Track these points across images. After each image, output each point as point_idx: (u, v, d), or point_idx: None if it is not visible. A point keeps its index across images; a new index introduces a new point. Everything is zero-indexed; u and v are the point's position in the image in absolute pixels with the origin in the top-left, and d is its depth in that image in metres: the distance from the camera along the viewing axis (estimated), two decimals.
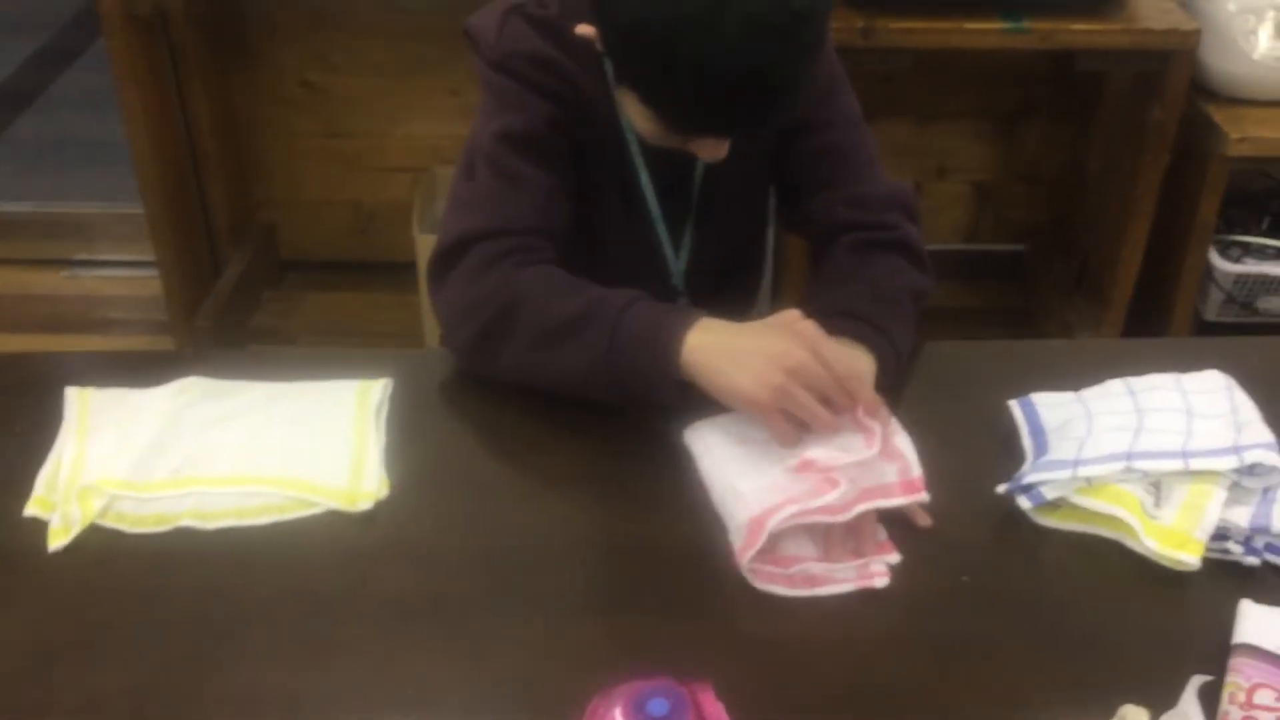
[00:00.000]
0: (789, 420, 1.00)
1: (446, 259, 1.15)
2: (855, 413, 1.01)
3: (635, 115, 1.11)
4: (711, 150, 1.11)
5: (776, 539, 0.95)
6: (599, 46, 1.09)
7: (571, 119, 1.19)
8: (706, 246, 1.35)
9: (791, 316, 1.03)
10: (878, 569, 0.96)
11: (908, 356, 1.17)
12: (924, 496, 0.99)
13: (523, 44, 1.18)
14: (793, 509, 0.94)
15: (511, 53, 1.18)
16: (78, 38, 3.98)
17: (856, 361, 1.06)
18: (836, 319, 1.11)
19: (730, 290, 1.45)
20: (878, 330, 1.12)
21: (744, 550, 0.94)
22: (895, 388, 1.11)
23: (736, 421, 1.05)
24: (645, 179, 1.28)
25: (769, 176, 1.36)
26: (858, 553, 0.97)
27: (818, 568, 0.96)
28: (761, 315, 1.06)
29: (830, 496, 0.95)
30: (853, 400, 1.00)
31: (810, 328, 1.01)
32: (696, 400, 1.03)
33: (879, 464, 0.99)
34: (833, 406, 1.00)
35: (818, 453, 0.98)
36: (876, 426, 1.00)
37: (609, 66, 1.14)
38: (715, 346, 1.02)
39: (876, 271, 1.20)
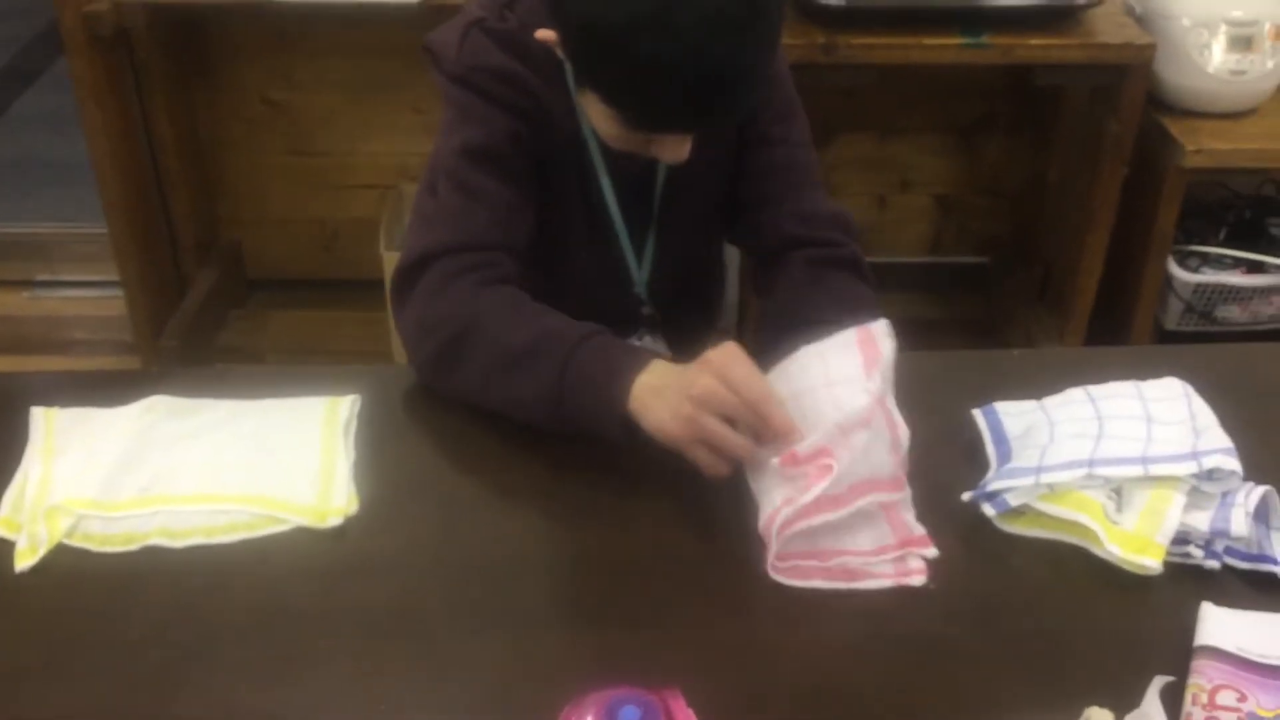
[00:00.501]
0: (710, 451, 0.99)
1: (408, 276, 1.15)
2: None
3: (596, 118, 1.12)
4: (673, 150, 1.12)
5: (814, 534, 0.96)
6: (558, 51, 1.09)
7: (533, 132, 1.20)
8: (668, 256, 1.37)
9: (724, 351, 1.00)
10: (915, 565, 0.97)
11: None
12: (905, 493, 1.00)
13: (484, 58, 1.18)
14: (788, 511, 0.95)
15: (473, 66, 1.18)
16: (38, 58, 3.95)
17: (766, 384, 1.02)
18: (804, 328, 1.10)
19: (691, 300, 1.47)
20: None
21: (766, 552, 0.96)
22: None
23: (787, 372, 1.06)
24: (607, 189, 1.29)
25: (726, 189, 1.37)
26: (895, 545, 0.98)
27: (856, 561, 0.97)
28: (727, 328, 1.07)
29: (824, 483, 0.95)
30: (764, 423, 0.98)
31: (721, 356, 0.99)
32: (644, 439, 1.03)
33: (878, 451, 0.99)
34: (759, 433, 0.98)
35: (801, 445, 0.98)
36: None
37: (569, 72, 1.15)
38: (651, 387, 1.01)
39: (832, 284, 1.24)
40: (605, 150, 1.24)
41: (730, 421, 0.98)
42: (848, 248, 1.28)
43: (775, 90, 1.28)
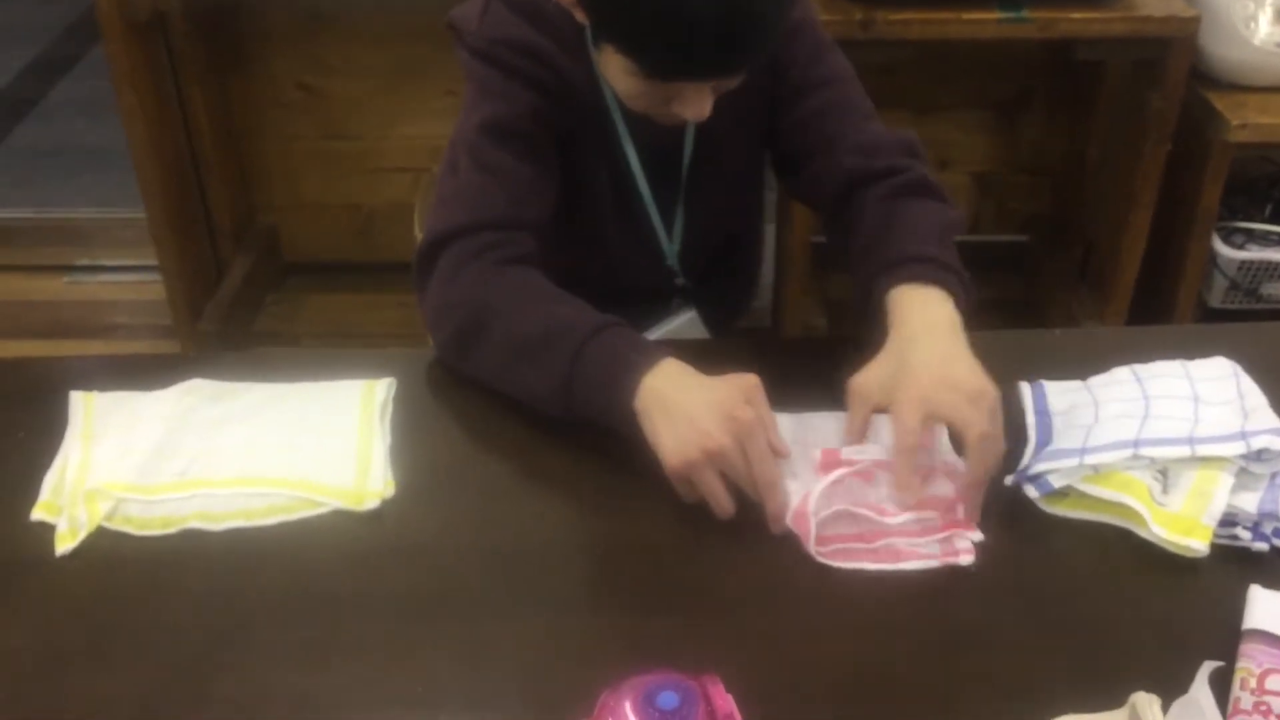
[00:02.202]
0: (693, 494, 0.99)
1: (427, 257, 1.15)
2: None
3: (616, 76, 1.11)
4: (695, 106, 1.10)
5: (857, 517, 0.97)
6: (576, 14, 1.09)
7: (554, 105, 1.19)
8: (698, 227, 1.36)
9: (748, 385, 0.99)
10: (963, 545, 0.96)
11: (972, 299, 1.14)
12: (975, 535, 0.97)
13: (504, 30, 1.18)
14: (818, 491, 0.96)
15: (493, 39, 1.18)
16: (75, 44, 3.99)
17: (775, 469, 0.99)
18: (894, 268, 1.09)
19: (726, 272, 1.46)
20: (944, 268, 1.10)
21: (806, 542, 0.95)
22: None
23: (806, 421, 1.06)
24: (633, 159, 1.28)
25: (760, 154, 1.35)
26: (940, 527, 0.97)
27: (902, 542, 0.96)
28: (762, 308, 1.05)
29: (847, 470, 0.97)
30: (761, 502, 0.97)
31: (749, 417, 0.96)
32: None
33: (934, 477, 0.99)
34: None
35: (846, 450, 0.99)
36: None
37: (589, 33, 1.14)
38: (659, 396, 1.00)
39: (915, 214, 1.17)
40: (630, 120, 1.24)
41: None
42: (914, 171, 1.22)
43: (803, 38, 1.26)
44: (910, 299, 1.08)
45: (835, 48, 1.30)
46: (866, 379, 1.04)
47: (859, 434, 1.03)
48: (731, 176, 1.36)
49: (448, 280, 1.13)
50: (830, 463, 1.00)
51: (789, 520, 0.97)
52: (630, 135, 1.26)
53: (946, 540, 0.96)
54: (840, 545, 0.96)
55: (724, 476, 0.97)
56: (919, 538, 0.96)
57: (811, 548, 0.95)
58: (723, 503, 0.97)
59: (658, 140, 1.27)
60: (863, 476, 1.00)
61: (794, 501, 0.97)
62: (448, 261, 1.13)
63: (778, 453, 0.99)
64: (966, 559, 0.95)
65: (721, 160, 1.31)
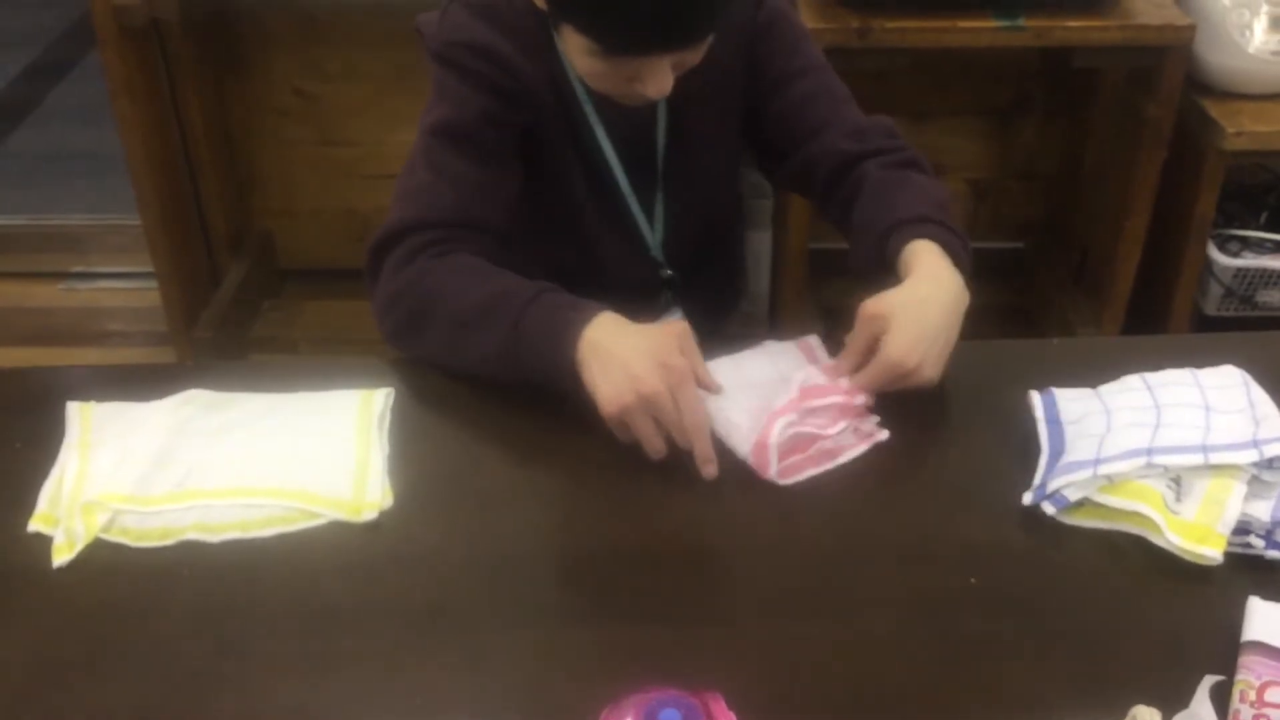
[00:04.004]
0: (625, 431, 1.05)
1: (378, 251, 1.19)
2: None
3: (577, 58, 1.14)
4: (655, 83, 1.13)
5: (793, 438, 1.05)
6: (537, 0, 1.12)
7: (509, 108, 1.22)
8: (679, 215, 1.38)
9: (680, 331, 1.06)
10: (868, 428, 1.09)
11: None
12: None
13: (461, 32, 1.21)
14: (784, 420, 1.05)
15: (450, 41, 1.21)
16: (70, 50, 3.97)
17: (705, 414, 1.06)
18: (914, 224, 1.15)
19: (710, 261, 1.48)
20: (950, 231, 1.16)
21: (765, 471, 1.04)
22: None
23: (740, 363, 1.15)
24: (609, 150, 1.30)
25: (736, 141, 1.38)
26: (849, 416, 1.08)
27: (828, 442, 1.07)
28: (758, 315, 1.08)
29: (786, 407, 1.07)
30: (691, 447, 1.03)
31: (681, 364, 1.04)
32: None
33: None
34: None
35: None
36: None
37: (551, 23, 1.15)
38: (596, 346, 1.05)
39: (919, 183, 1.24)
40: (602, 111, 1.26)
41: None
42: (907, 150, 1.28)
43: (779, 29, 1.30)
44: (928, 253, 1.14)
45: (808, 35, 1.34)
46: (879, 308, 1.09)
47: (863, 354, 1.09)
48: (708, 162, 1.37)
49: (397, 272, 1.17)
50: (809, 394, 1.08)
51: (750, 455, 1.05)
52: (604, 126, 1.28)
53: (856, 428, 1.08)
54: (786, 462, 1.04)
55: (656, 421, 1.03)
56: (834, 430, 1.06)
57: (773, 473, 1.04)
58: (656, 444, 1.03)
59: (631, 129, 1.29)
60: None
61: (751, 437, 1.05)
62: (395, 257, 1.17)
63: (709, 389, 1.08)
64: (883, 434, 1.08)
65: (697, 146, 1.34)
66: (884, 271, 1.16)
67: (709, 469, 1.03)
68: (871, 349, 1.08)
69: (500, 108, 1.21)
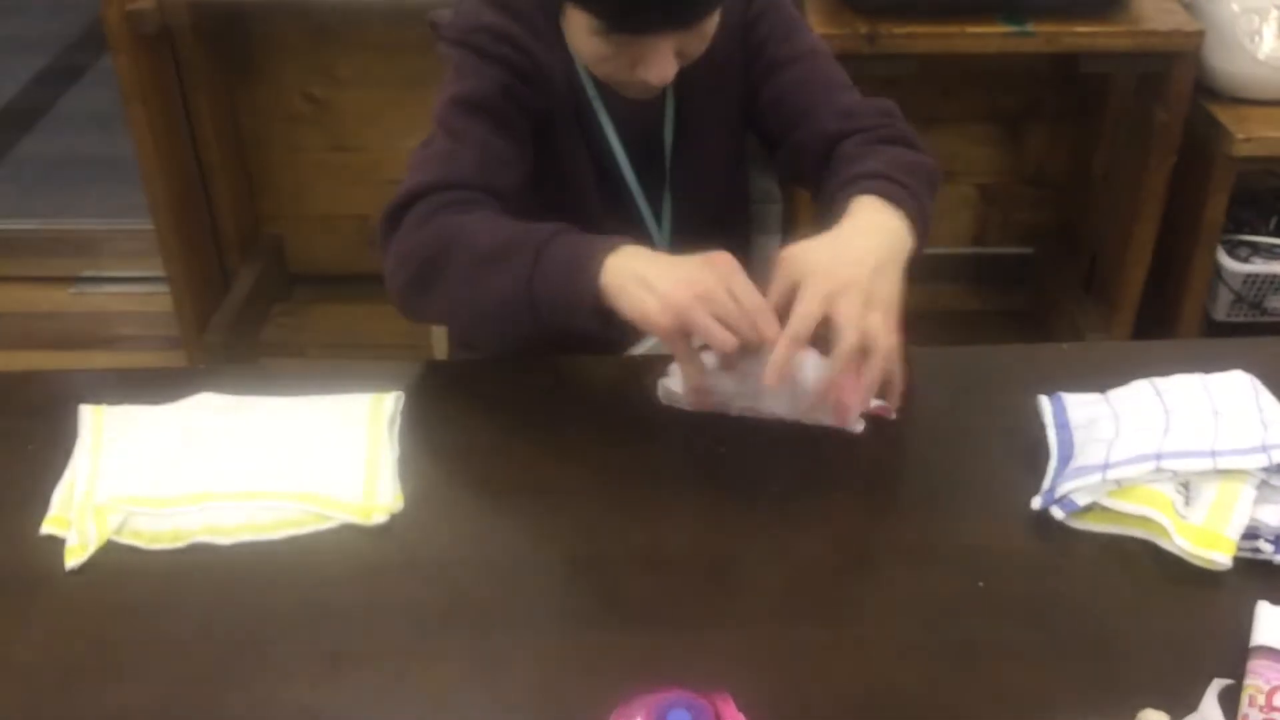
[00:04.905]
0: (690, 352, 1.01)
1: (393, 215, 1.16)
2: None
3: (581, 40, 1.15)
4: (658, 67, 1.13)
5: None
6: None
7: (527, 88, 1.22)
8: (686, 215, 1.38)
9: (718, 256, 1.01)
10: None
11: (927, 235, 1.13)
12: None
13: (477, 18, 1.23)
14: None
15: (468, 28, 1.22)
16: (82, 56, 4.00)
17: (762, 300, 1.01)
18: (861, 181, 1.10)
19: None
20: (904, 189, 1.10)
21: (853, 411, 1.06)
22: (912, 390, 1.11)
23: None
24: (616, 145, 1.30)
25: (741, 137, 1.38)
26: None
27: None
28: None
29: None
30: (758, 333, 0.98)
31: (729, 260, 1.00)
32: (618, 327, 1.03)
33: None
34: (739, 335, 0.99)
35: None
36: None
37: (558, 4, 1.17)
38: (629, 269, 1.01)
39: (890, 153, 1.18)
40: (610, 105, 1.27)
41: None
42: (895, 126, 1.24)
43: (772, 16, 1.30)
44: (864, 205, 1.08)
45: (804, 25, 1.34)
46: (792, 250, 1.03)
47: (780, 307, 1.01)
48: (715, 159, 1.38)
49: (415, 229, 1.14)
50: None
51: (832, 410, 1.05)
52: (613, 124, 1.29)
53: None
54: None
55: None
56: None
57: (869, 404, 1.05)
58: (724, 336, 0.97)
59: (638, 124, 1.30)
60: None
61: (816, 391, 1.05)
62: (416, 213, 1.14)
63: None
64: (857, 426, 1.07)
65: (703, 143, 1.34)
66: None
67: (784, 348, 0.97)
68: (789, 301, 1.01)
69: (519, 85, 1.21)
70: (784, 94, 1.30)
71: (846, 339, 0.98)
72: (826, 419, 1.09)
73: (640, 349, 1.35)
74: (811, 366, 1.06)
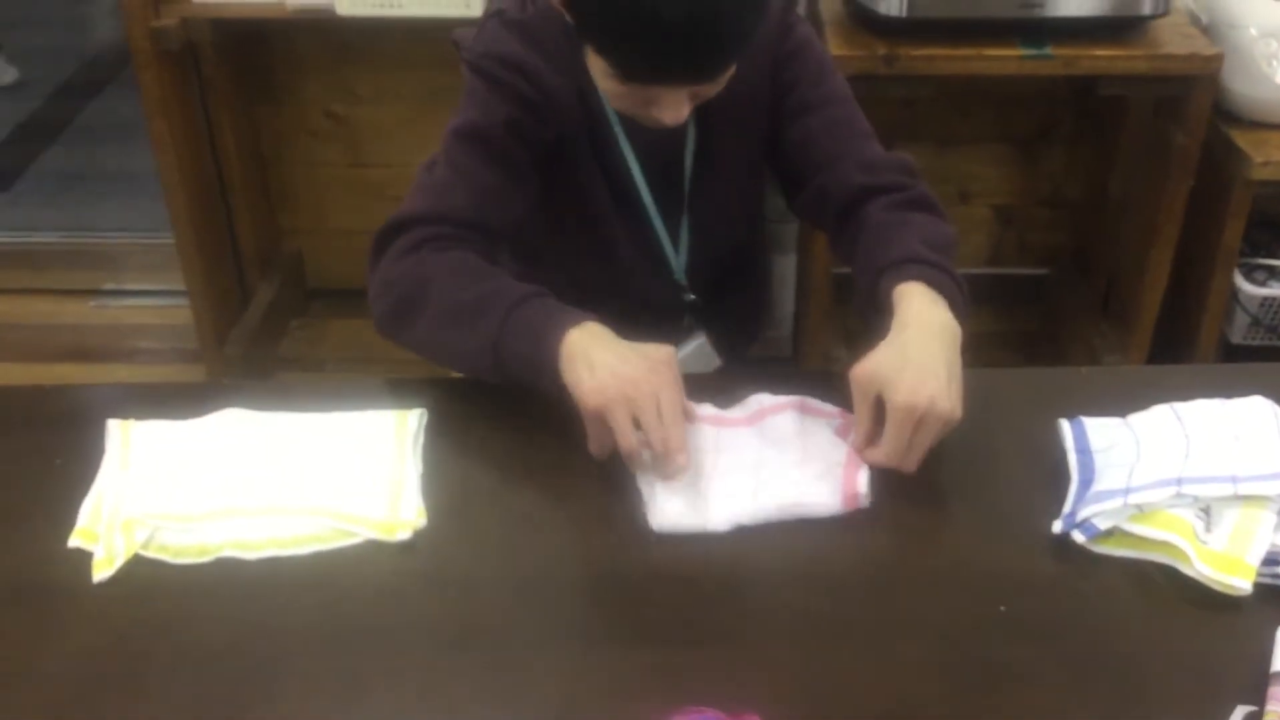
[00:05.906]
0: (602, 431, 1.05)
1: (383, 238, 1.21)
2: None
3: (599, 76, 1.16)
4: (672, 110, 1.15)
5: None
6: (568, 15, 1.13)
7: (534, 120, 1.24)
8: (704, 240, 1.39)
9: (665, 355, 1.07)
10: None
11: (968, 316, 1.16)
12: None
13: (495, 45, 1.24)
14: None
15: (483, 53, 1.24)
16: (104, 70, 4.03)
17: (680, 418, 1.06)
18: (905, 266, 1.13)
19: (733, 287, 1.49)
20: (945, 273, 1.13)
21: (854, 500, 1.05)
22: None
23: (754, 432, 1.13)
24: (635, 169, 1.32)
25: (760, 168, 1.39)
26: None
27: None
28: (780, 337, 1.07)
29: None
30: (664, 448, 1.03)
31: (671, 367, 1.06)
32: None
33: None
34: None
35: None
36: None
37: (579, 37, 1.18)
38: (583, 347, 1.06)
39: (920, 223, 1.21)
40: (630, 130, 1.28)
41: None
42: (917, 189, 1.27)
43: (805, 57, 1.31)
44: (913, 295, 1.11)
45: (833, 69, 1.35)
46: (867, 368, 1.06)
47: (872, 420, 1.06)
48: (733, 187, 1.39)
49: (395, 259, 1.18)
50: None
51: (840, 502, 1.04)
52: (632, 149, 1.30)
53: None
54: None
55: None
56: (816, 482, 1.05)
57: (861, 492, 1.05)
58: (631, 441, 1.03)
59: (659, 149, 1.31)
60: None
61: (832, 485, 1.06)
62: (400, 244, 1.19)
63: (689, 416, 1.08)
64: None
65: (723, 170, 1.35)
66: (880, 315, 1.13)
67: (680, 458, 1.03)
68: (877, 413, 1.05)
69: (525, 119, 1.23)
70: (811, 137, 1.30)
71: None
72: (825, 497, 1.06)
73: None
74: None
